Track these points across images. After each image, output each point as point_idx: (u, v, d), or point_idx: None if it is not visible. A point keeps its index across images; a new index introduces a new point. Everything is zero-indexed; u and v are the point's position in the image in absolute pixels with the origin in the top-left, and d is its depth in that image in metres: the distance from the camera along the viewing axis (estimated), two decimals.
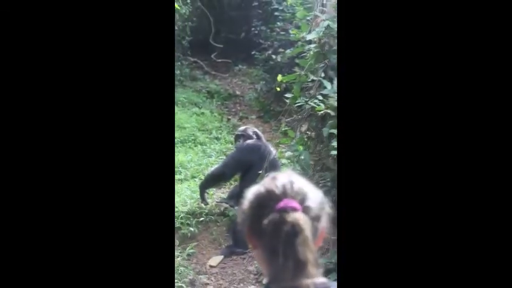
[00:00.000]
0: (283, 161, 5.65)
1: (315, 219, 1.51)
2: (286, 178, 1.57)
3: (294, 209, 1.46)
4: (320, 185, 4.87)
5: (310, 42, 4.99)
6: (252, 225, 1.57)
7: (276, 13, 10.08)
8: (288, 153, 5.01)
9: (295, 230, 1.43)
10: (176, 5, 5.09)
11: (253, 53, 10.45)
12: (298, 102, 4.69)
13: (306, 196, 1.53)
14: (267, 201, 1.51)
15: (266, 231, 1.46)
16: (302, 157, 4.67)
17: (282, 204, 1.47)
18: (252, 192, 1.61)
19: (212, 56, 12.52)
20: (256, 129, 5.74)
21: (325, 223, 1.56)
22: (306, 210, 1.48)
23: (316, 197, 1.56)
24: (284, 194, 1.50)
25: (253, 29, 11.26)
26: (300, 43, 5.33)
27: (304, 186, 1.56)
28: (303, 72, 4.73)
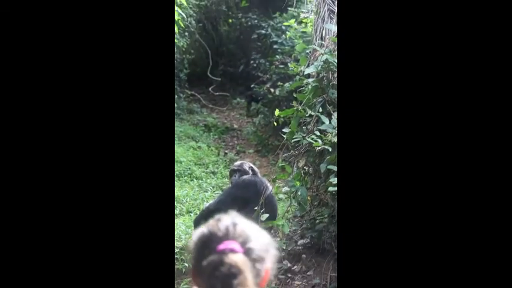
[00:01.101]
0: (281, 196, 5.57)
1: (258, 260, 1.56)
2: (230, 220, 1.62)
3: (234, 251, 1.53)
4: (317, 221, 4.80)
5: (308, 76, 4.94)
6: (195, 266, 1.63)
7: (275, 46, 10.07)
8: (285, 189, 4.94)
9: (233, 272, 1.49)
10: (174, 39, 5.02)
11: (252, 86, 10.41)
12: (296, 138, 4.63)
13: (249, 238, 1.58)
14: (210, 243, 1.57)
15: (206, 272, 1.52)
16: (299, 193, 4.61)
17: (222, 246, 1.54)
18: (196, 234, 1.66)
19: (210, 89, 12.49)
20: (252, 165, 5.67)
21: (269, 264, 1.61)
22: (247, 252, 1.55)
23: (260, 239, 1.61)
24: (226, 236, 1.56)
25: (252, 62, 11.23)
26: (298, 77, 5.26)
27: (248, 229, 1.61)
28: (300, 107, 4.66)
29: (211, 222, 1.66)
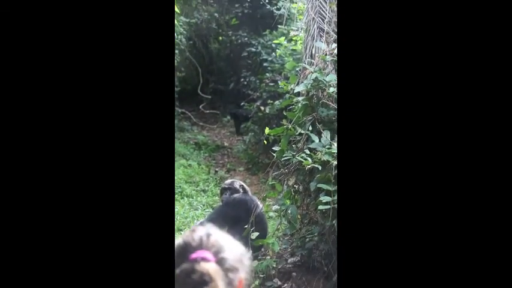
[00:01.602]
0: (271, 214, 5.57)
1: (231, 270, 1.61)
2: (204, 231, 1.66)
3: (206, 260, 1.57)
4: (307, 239, 4.80)
5: (298, 94, 4.96)
6: None
7: (265, 64, 10.08)
8: (275, 207, 4.93)
9: (204, 279, 1.53)
10: None
11: (242, 104, 10.42)
12: (286, 156, 4.63)
13: (222, 248, 1.62)
14: (184, 253, 1.61)
15: (178, 280, 1.58)
16: (289, 211, 4.61)
17: (194, 255, 1.58)
18: None
19: (200, 107, 12.49)
20: (242, 183, 5.67)
21: (243, 274, 1.65)
22: (220, 261, 1.59)
23: (233, 250, 1.66)
24: (199, 246, 1.61)
25: (242, 79, 11.25)
26: (288, 95, 5.29)
27: (222, 239, 1.66)
28: (290, 126, 4.67)
29: (186, 233, 1.72)
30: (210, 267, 1.56)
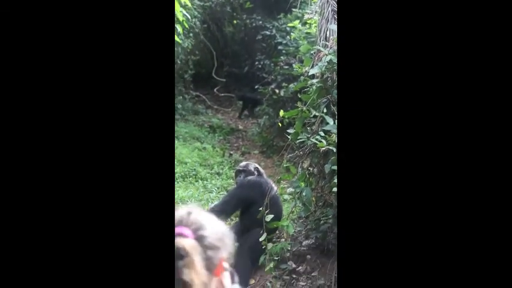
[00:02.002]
0: (285, 197, 5.56)
1: (210, 248, 1.65)
2: (186, 210, 1.72)
3: (183, 235, 1.63)
4: (322, 221, 4.80)
5: (313, 77, 4.93)
6: None
7: (280, 47, 10.06)
8: (290, 190, 4.93)
9: (179, 254, 1.60)
10: (177, 39, 5.03)
11: (256, 87, 10.41)
12: (300, 138, 4.61)
13: (202, 226, 1.67)
14: None
15: None
16: (304, 193, 4.58)
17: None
18: None
19: (215, 90, 12.48)
20: (257, 165, 5.64)
21: (225, 254, 1.69)
22: (199, 238, 1.64)
23: (214, 228, 1.70)
24: (179, 223, 1.68)
25: (256, 63, 11.23)
26: (302, 78, 5.25)
27: (202, 218, 1.71)
28: (305, 108, 4.65)
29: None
30: (186, 242, 1.62)
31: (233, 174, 6.19)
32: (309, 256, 4.97)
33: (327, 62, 4.54)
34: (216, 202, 5.72)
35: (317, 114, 4.61)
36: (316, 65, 4.75)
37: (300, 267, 4.89)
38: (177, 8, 4.59)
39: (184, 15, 4.97)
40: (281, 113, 5.01)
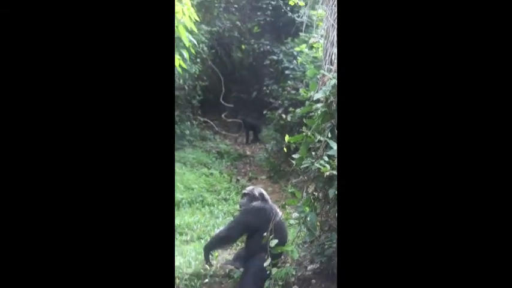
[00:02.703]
0: (291, 222, 5.54)
1: None
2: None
3: None
4: (326, 246, 4.77)
5: (318, 101, 4.93)
6: None
7: (287, 72, 10.09)
8: (295, 215, 4.90)
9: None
10: (184, 65, 5.04)
11: (264, 112, 10.42)
12: (305, 163, 4.59)
13: None
14: None
15: None
16: (308, 218, 4.56)
17: None
18: None
19: (223, 115, 12.50)
20: (263, 191, 5.63)
21: None
22: None
23: None
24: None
25: (264, 88, 11.25)
26: (307, 103, 5.25)
27: None
28: (309, 133, 4.63)
29: None
30: None
31: (241, 201, 6.18)
32: (313, 280, 4.93)
33: (331, 86, 4.53)
34: (221, 228, 5.69)
35: (321, 139, 4.60)
36: (321, 89, 4.74)
37: None
38: (184, 34, 4.59)
39: (190, 40, 4.98)
40: (287, 138, 5.01)
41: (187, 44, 4.82)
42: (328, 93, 4.56)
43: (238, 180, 9.01)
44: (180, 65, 4.63)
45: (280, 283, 4.75)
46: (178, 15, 4.46)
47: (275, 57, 11.25)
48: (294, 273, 4.89)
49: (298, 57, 9.29)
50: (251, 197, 5.48)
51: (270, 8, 12.51)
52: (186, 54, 5.21)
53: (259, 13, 12.77)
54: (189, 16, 4.58)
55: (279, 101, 9.89)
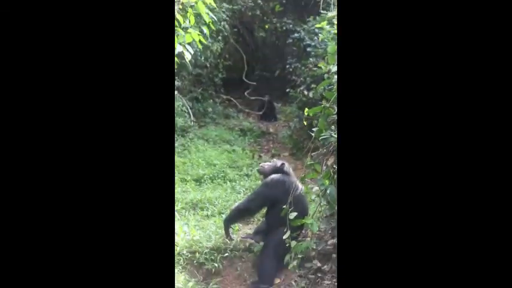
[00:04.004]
0: (313, 197, 5.53)
1: None
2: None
3: None
4: None
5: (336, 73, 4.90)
6: None
7: (309, 49, 10.01)
8: (315, 188, 4.89)
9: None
10: (205, 41, 5.03)
11: (287, 90, 10.38)
12: (324, 135, 4.58)
13: None
14: None
15: None
16: (328, 191, 4.53)
17: None
18: None
19: (246, 93, 12.46)
20: (285, 163, 5.62)
21: None
22: None
23: None
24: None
25: (287, 66, 11.20)
26: (326, 75, 5.21)
27: None
28: (328, 105, 4.61)
29: None
30: None
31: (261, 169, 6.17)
32: (334, 255, 4.92)
33: None
34: (241, 200, 5.71)
35: None
36: None
37: (326, 266, 4.85)
38: (203, 10, 4.59)
39: (211, 17, 4.97)
40: (306, 110, 4.99)
41: (207, 20, 4.81)
42: None
43: (260, 156, 9.02)
44: (200, 41, 4.62)
45: (299, 256, 4.75)
46: None
47: (297, 35, 11.18)
48: (314, 247, 4.89)
49: (319, 35, 9.22)
50: (272, 167, 5.49)
51: None
52: (206, 30, 5.20)
53: None
54: None
55: (301, 78, 9.83)
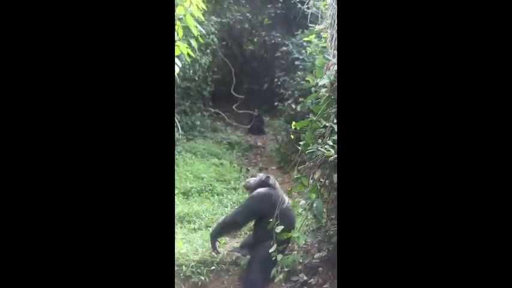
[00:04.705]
0: (299, 210, 5.53)
1: None
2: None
3: None
4: (331, 232, 4.76)
5: (323, 86, 4.91)
6: None
7: (297, 62, 10.04)
8: (302, 202, 4.89)
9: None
10: (193, 54, 5.04)
11: (276, 103, 10.40)
12: (310, 149, 4.58)
13: None
14: None
15: None
16: (315, 205, 4.54)
17: None
18: None
19: (234, 107, 12.48)
20: (271, 177, 5.63)
21: None
22: None
23: None
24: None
25: (276, 79, 11.22)
26: (313, 89, 5.23)
27: None
28: (315, 118, 4.62)
29: None
30: None
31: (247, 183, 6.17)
32: (320, 268, 4.92)
33: (335, 71, 4.52)
34: (227, 214, 5.71)
35: (327, 124, 4.58)
36: (325, 74, 4.73)
37: (312, 280, 4.85)
38: (191, 23, 4.59)
39: (199, 30, 4.98)
40: (293, 124, 5.00)
41: (195, 33, 4.82)
42: (332, 78, 4.54)
43: (248, 170, 9.00)
44: (188, 54, 4.63)
45: (285, 270, 4.75)
46: (185, 4, 4.46)
47: (285, 48, 11.22)
48: (300, 260, 4.90)
49: (307, 48, 9.24)
50: (258, 182, 5.50)
51: (281, 0, 12.49)
52: (194, 44, 5.20)
53: (269, 5, 12.73)
54: (196, 5, 4.58)
55: (289, 92, 9.86)
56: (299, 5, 11.17)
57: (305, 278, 4.85)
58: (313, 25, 9.41)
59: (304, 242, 4.84)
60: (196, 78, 10.64)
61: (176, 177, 7.87)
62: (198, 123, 10.90)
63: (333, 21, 5.53)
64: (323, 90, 4.78)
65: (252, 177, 7.93)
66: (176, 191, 7.35)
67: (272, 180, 5.55)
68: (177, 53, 4.36)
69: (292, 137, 6.13)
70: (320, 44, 8.39)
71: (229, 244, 5.92)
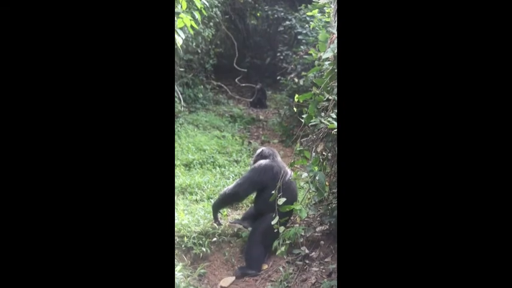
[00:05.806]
0: (302, 183, 5.54)
1: None
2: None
3: None
4: (334, 205, 4.77)
5: (327, 60, 4.89)
6: None
7: (300, 37, 10.03)
8: (304, 175, 4.89)
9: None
10: (196, 26, 5.02)
11: (278, 78, 10.39)
12: (313, 121, 4.57)
13: None
14: None
15: None
16: (317, 178, 4.53)
17: None
18: None
19: (236, 80, 12.47)
20: (273, 150, 5.63)
21: None
22: None
23: None
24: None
25: (278, 54, 11.20)
26: (317, 62, 5.21)
27: None
28: (318, 91, 4.61)
29: None
30: None
31: (251, 161, 6.18)
32: (322, 242, 4.94)
33: None
34: (229, 185, 5.72)
35: (330, 97, 4.57)
36: (329, 48, 4.70)
37: (314, 253, 4.86)
38: None
39: (203, 2, 4.96)
40: (296, 97, 4.98)
41: (199, 5, 4.81)
42: (335, 51, 4.52)
43: (250, 143, 9.01)
44: (191, 26, 4.61)
45: (287, 242, 4.76)
46: None
47: (288, 23, 11.20)
48: (302, 233, 4.90)
49: (310, 23, 9.21)
50: (260, 155, 5.50)
51: None
52: (197, 16, 5.18)
53: None
54: None
55: (292, 66, 9.85)
56: None
57: (307, 251, 4.85)
58: (317, 0, 9.38)
59: (306, 215, 4.84)
60: (199, 51, 10.63)
61: (178, 148, 7.89)
62: (200, 95, 10.90)
63: None
64: (326, 63, 4.76)
65: (254, 150, 7.99)
66: (178, 163, 7.37)
67: (267, 151, 5.55)
68: (180, 25, 4.35)
69: (295, 109, 6.11)
70: (323, 19, 8.35)
71: (231, 216, 5.93)
